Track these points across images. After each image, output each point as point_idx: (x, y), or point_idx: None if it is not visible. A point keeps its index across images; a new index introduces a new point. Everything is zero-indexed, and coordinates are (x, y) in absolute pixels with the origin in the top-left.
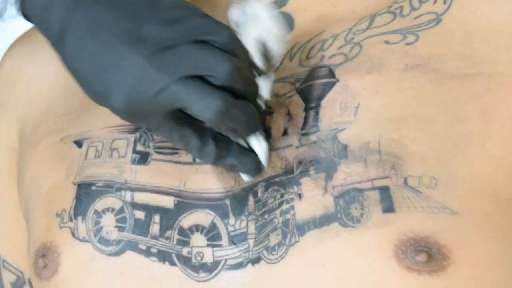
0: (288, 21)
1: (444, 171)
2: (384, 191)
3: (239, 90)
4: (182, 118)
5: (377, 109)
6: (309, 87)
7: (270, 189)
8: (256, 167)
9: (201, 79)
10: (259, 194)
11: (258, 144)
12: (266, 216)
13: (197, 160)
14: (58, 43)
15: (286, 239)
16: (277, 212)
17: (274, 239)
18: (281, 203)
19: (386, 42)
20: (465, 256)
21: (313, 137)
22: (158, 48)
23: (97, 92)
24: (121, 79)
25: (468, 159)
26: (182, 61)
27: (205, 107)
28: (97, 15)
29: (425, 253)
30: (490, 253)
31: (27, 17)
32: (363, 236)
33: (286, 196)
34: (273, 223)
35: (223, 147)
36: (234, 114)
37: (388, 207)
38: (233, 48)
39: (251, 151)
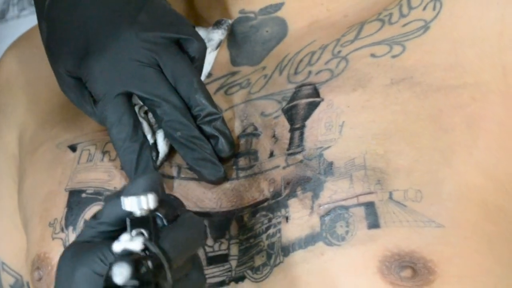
0: (282, 26)
1: (431, 183)
2: (369, 206)
3: None
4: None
5: (363, 125)
6: (294, 107)
7: (258, 215)
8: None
9: None
10: (245, 219)
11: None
12: (251, 240)
13: (181, 175)
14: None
15: (270, 260)
16: (264, 236)
17: (258, 260)
18: (268, 228)
19: (372, 55)
20: (453, 269)
21: (299, 156)
22: None
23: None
24: None
25: (455, 169)
26: None
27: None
28: None
29: (410, 269)
30: (481, 264)
31: None
32: (348, 254)
33: (273, 221)
34: (258, 246)
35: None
36: None
37: (373, 223)
38: None
39: None
